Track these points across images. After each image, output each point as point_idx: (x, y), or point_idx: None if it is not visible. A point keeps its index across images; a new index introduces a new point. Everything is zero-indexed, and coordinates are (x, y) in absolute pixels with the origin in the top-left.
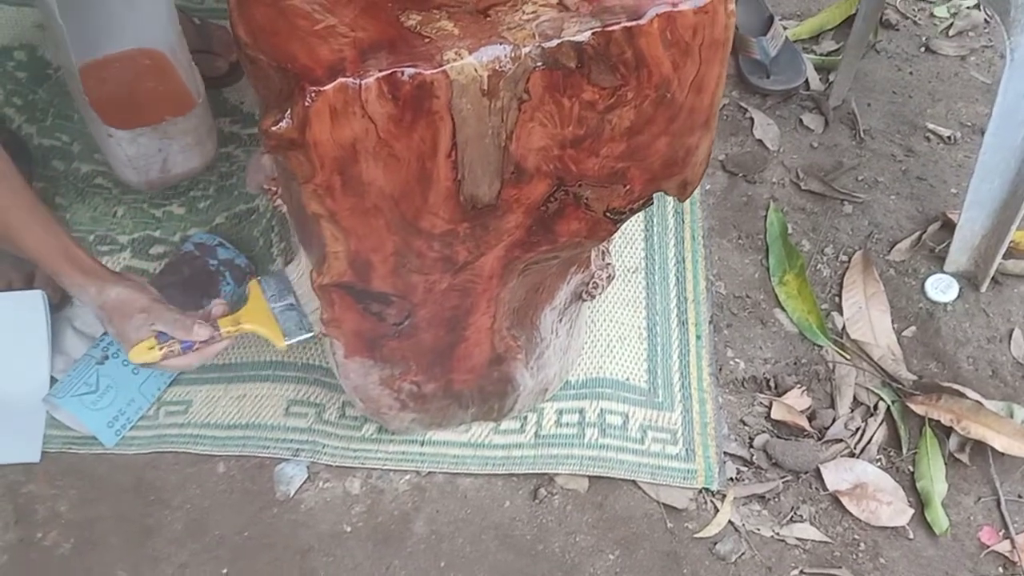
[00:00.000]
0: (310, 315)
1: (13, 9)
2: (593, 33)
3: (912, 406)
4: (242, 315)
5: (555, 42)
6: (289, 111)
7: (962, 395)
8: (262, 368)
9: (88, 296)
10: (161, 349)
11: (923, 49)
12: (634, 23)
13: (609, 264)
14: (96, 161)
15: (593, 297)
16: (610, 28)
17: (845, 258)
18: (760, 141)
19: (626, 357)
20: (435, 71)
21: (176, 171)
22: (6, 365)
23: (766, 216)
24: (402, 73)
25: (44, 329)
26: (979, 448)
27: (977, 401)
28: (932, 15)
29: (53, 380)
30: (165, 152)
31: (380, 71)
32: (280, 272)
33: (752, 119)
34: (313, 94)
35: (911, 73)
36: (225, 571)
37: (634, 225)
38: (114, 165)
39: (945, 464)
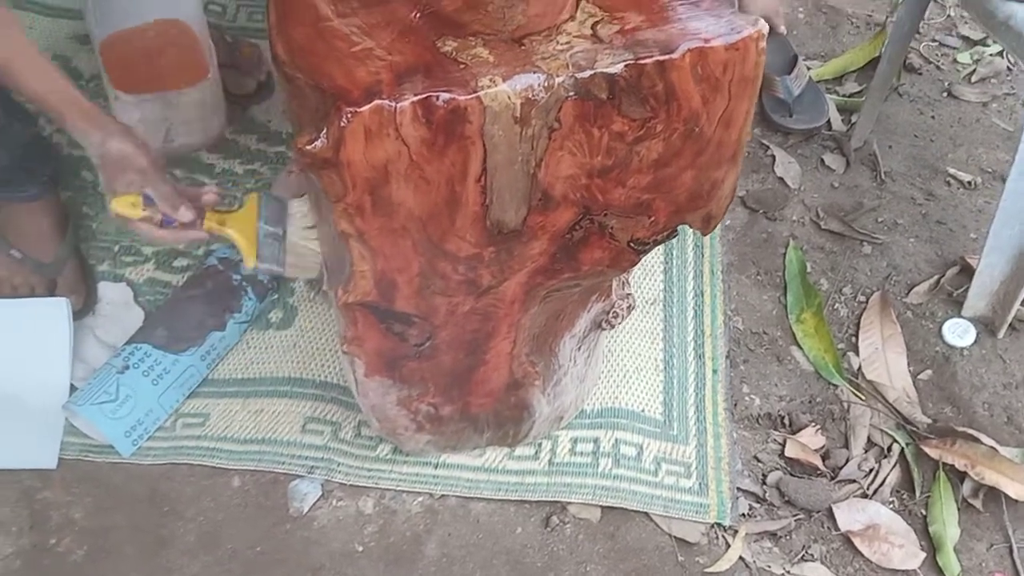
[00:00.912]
0: (290, 256)
1: (48, 20)
2: (626, 65)
3: (926, 449)
4: (230, 218)
5: (588, 73)
6: (324, 130)
7: (977, 440)
8: (280, 384)
9: (91, 143)
10: (145, 210)
11: (946, 94)
12: (666, 57)
13: (630, 295)
14: None
15: (613, 326)
16: (643, 61)
17: (863, 299)
18: (781, 179)
19: (642, 388)
20: (469, 97)
21: (178, 142)
22: (27, 371)
23: (785, 254)
24: (437, 98)
25: (66, 337)
26: (993, 494)
27: (992, 447)
28: (955, 61)
29: (73, 388)
30: (169, 122)
31: (415, 95)
32: (284, 200)
33: (774, 157)
34: (349, 115)
35: (933, 117)
36: None
37: (654, 257)
38: None
39: (958, 509)
